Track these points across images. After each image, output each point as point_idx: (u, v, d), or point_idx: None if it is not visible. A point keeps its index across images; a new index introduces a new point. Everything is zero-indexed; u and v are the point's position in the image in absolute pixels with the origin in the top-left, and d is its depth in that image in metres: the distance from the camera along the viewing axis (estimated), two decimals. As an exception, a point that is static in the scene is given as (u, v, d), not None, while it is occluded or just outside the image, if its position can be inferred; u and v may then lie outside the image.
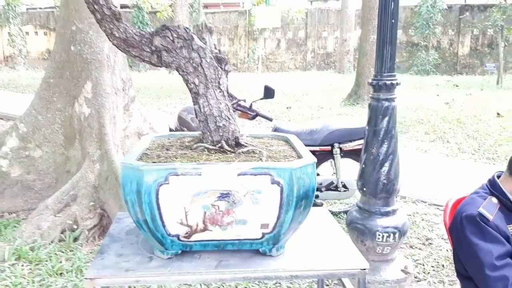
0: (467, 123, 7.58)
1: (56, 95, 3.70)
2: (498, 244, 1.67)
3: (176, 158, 1.66)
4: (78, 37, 3.63)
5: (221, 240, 1.58)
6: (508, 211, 1.74)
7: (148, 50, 1.66)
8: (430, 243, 3.41)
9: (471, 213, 1.73)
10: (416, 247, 3.36)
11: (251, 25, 17.93)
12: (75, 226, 3.33)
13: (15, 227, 3.48)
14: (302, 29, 19.16)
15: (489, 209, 1.72)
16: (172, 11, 15.23)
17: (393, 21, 2.62)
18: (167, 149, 1.79)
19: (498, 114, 8.15)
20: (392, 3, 2.59)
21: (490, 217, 1.70)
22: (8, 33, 19.04)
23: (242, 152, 1.71)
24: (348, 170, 3.85)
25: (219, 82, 1.75)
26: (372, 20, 9.74)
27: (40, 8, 20.81)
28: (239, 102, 3.65)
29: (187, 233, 1.54)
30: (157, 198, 1.47)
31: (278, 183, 1.49)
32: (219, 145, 1.73)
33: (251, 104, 3.68)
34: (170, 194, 1.47)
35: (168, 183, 1.46)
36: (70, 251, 3.14)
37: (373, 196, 2.84)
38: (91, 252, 3.15)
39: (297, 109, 9.57)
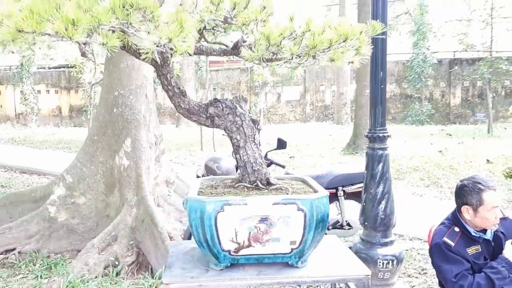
0: (459, 169, 8.17)
1: (99, 149, 4.33)
2: (458, 264, 2.24)
3: (224, 194, 2.24)
4: (120, 101, 4.32)
5: (260, 254, 2.13)
6: (467, 237, 2.32)
7: (204, 116, 2.28)
8: (425, 273, 3.90)
9: (438, 242, 2.30)
10: (413, 276, 3.86)
11: (252, 81, 18.95)
12: (116, 262, 3.84)
13: (62, 265, 3.98)
14: (301, 83, 20.21)
15: (451, 237, 2.29)
16: (180, 69, 16.27)
17: (382, 86, 3.28)
18: (215, 188, 2.37)
19: (488, 160, 8.77)
20: (381, 72, 3.27)
21: (452, 244, 2.27)
22: (21, 91, 20.03)
23: (273, 189, 2.29)
24: (352, 210, 4.39)
25: (254, 138, 2.37)
26: (366, 76, 10.57)
27: (49, 68, 21.88)
28: (255, 153, 4.26)
29: (236, 248, 2.10)
30: (216, 222, 2.04)
31: (302, 210, 2.06)
32: (255, 184, 2.32)
33: (266, 153, 4.29)
34: (225, 219, 2.04)
35: (223, 211, 2.04)
36: (115, 283, 3.63)
37: (373, 230, 3.39)
38: (132, 284, 3.65)
39: (299, 158, 10.19)
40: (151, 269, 3.88)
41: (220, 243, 2.07)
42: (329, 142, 12.90)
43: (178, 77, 16.57)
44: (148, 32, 1.75)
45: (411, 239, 4.82)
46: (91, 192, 4.26)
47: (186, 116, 2.27)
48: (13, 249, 4.08)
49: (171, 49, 1.76)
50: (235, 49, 2.27)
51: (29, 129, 18.07)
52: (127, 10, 1.62)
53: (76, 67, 17.60)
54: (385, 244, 3.35)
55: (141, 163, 4.17)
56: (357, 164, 8.83)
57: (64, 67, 20.67)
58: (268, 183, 2.35)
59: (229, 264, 2.16)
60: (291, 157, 10.21)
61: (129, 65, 4.28)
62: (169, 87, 2.21)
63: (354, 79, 17.03)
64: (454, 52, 18.95)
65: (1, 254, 4.08)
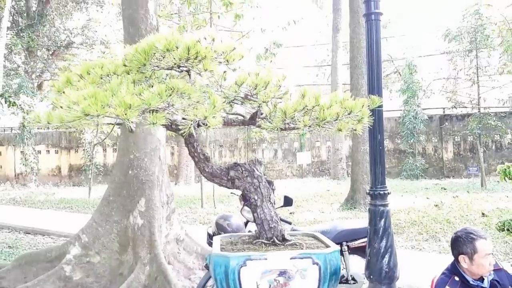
0: (455, 223, 8.37)
1: (114, 210, 4.55)
2: None
3: (244, 249, 2.47)
4: (135, 163, 4.60)
5: (279, 306, 2.33)
6: (466, 286, 2.54)
7: (225, 178, 2.56)
8: (430, 325, 4.04)
9: None
10: (418, 329, 3.99)
11: (250, 138, 19.42)
12: (130, 320, 3.95)
13: (76, 324, 4.08)
14: (297, 140, 20.69)
15: (453, 286, 2.52)
16: (179, 129, 16.69)
17: (380, 148, 3.59)
18: (235, 244, 2.60)
19: (483, 214, 8.99)
20: (379, 135, 3.59)
21: None
22: (21, 152, 20.29)
23: (289, 245, 2.53)
24: (356, 265, 4.56)
25: (269, 197, 2.63)
26: (361, 133, 10.99)
27: (49, 129, 22.30)
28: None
29: (257, 300, 2.30)
30: (239, 276, 2.26)
31: (317, 264, 2.29)
32: (272, 240, 2.56)
33: (272, 211, 4.52)
34: (247, 273, 2.26)
35: (246, 266, 2.26)
36: None
37: (378, 283, 3.56)
38: None
39: (300, 214, 10.36)
40: (164, 326, 3.99)
41: (243, 296, 2.28)
42: (327, 197, 13.10)
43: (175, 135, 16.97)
44: (184, 110, 2.07)
45: (414, 293, 4.95)
46: (106, 251, 4.43)
47: (209, 179, 2.55)
48: (29, 309, 4.18)
49: (203, 123, 2.06)
50: (252, 120, 2.59)
51: (28, 189, 18.17)
52: (170, 94, 1.94)
53: (77, 128, 18.05)
54: (390, 297, 3.52)
55: (154, 222, 4.38)
56: (359, 219, 9.02)
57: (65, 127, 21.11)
58: (284, 239, 2.58)
59: (250, 316, 2.34)
60: (291, 213, 10.37)
61: (144, 130, 4.60)
62: (195, 154, 2.50)
63: (348, 135, 17.53)
64: (444, 108, 19.64)
65: (17, 314, 4.17)
